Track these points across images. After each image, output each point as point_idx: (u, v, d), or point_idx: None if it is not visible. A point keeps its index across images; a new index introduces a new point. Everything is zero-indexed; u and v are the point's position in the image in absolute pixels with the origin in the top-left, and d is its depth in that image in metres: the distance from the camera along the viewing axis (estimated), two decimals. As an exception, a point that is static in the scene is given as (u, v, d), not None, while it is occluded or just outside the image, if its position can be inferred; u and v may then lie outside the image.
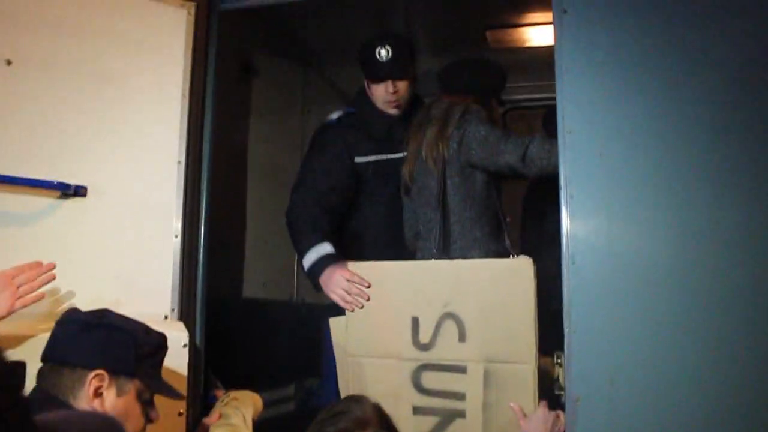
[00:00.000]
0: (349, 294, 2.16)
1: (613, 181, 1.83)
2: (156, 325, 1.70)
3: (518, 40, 3.22)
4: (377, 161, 2.51)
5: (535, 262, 2.01)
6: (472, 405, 2.00)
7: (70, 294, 1.95)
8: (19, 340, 1.74)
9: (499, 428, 1.99)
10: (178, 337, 2.02)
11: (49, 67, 2.03)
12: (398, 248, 2.42)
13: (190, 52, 2.27)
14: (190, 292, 2.21)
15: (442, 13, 3.07)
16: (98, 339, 1.52)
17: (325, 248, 2.27)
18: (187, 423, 2.01)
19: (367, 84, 2.54)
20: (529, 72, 3.27)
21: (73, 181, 2.00)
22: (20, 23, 1.99)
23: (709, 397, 1.71)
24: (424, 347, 2.07)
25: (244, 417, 2.05)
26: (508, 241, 2.38)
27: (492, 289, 2.02)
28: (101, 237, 2.06)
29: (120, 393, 1.50)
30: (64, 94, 2.04)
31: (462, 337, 2.03)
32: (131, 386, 1.52)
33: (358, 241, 2.48)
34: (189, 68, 2.25)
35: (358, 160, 2.49)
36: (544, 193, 2.43)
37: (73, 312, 1.59)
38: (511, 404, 1.96)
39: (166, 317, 2.14)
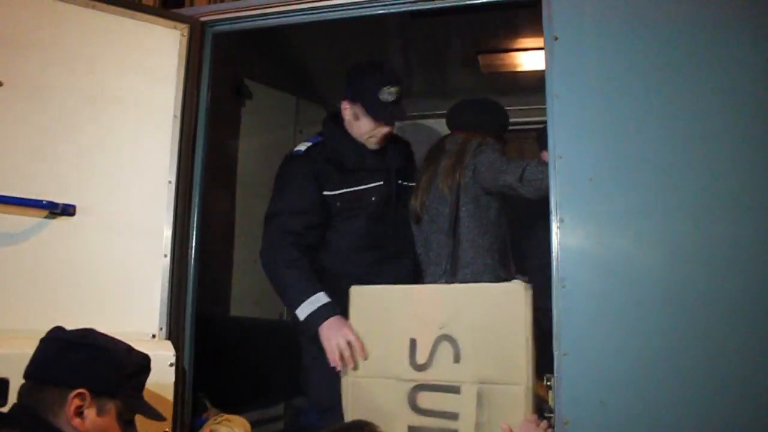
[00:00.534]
0: (342, 355, 2.14)
1: (603, 206, 1.85)
2: (143, 344, 1.69)
3: (510, 64, 3.26)
4: (344, 194, 2.42)
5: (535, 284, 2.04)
6: (465, 425, 2.02)
7: (56, 312, 1.94)
8: (4, 357, 1.73)
9: (491, 448, 2.01)
10: (164, 356, 2.01)
11: (41, 88, 2.04)
12: (369, 279, 2.31)
13: (182, 72, 2.28)
14: (179, 312, 2.20)
15: (435, 37, 3.10)
16: (81, 358, 1.51)
17: (320, 299, 2.23)
18: (173, 442, 2.00)
19: (354, 115, 2.43)
20: (521, 96, 3.32)
21: (62, 200, 2.00)
22: (12, 45, 2.00)
23: (701, 420, 1.71)
24: (421, 368, 2.10)
25: None
26: (513, 268, 2.51)
27: (485, 312, 2.05)
28: (89, 255, 2.06)
29: (100, 412, 1.49)
30: (54, 114, 2.06)
31: (457, 359, 2.06)
32: (112, 406, 1.51)
33: (327, 275, 2.37)
34: (181, 89, 2.27)
35: (327, 193, 2.40)
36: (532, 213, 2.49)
37: (58, 330, 1.58)
38: (502, 425, 1.96)
39: (153, 336, 2.13)
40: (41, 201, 1.96)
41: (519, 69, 3.28)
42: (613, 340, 1.79)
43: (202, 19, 2.38)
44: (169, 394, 2.00)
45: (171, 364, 2.03)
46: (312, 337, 2.23)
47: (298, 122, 3.65)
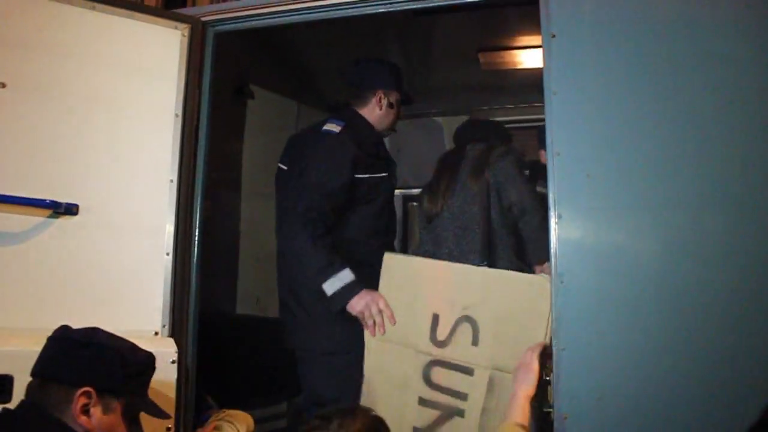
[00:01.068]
0: (375, 321, 2.25)
1: (601, 202, 1.86)
2: (145, 342, 1.71)
3: (509, 62, 3.27)
4: (371, 178, 2.50)
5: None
6: (472, 406, 2.07)
7: (59, 309, 1.96)
8: (8, 354, 1.76)
9: (492, 434, 2.03)
10: (166, 353, 2.04)
11: (43, 89, 2.06)
12: (376, 264, 2.35)
13: (184, 72, 2.29)
14: (181, 309, 2.21)
15: (436, 35, 3.12)
16: (87, 357, 1.54)
17: (348, 275, 2.29)
18: (176, 438, 2.02)
19: (389, 104, 2.60)
20: (519, 93, 3.34)
21: (65, 200, 2.02)
22: (15, 47, 2.03)
23: (699, 416, 1.72)
24: (440, 344, 2.15)
25: (237, 431, 2.07)
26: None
27: (509, 301, 2.08)
28: (92, 254, 2.08)
29: (106, 411, 1.52)
30: (57, 114, 2.08)
31: (475, 341, 2.10)
32: (117, 404, 1.54)
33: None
34: (183, 88, 2.28)
35: (359, 176, 2.47)
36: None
37: (64, 329, 1.60)
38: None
39: (156, 333, 2.14)
40: (44, 200, 1.98)
41: (519, 67, 3.29)
42: (611, 335, 1.80)
43: (204, 18, 2.39)
44: (171, 391, 2.02)
45: (173, 361, 2.05)
46: (338, 311, 2.30)
47: (300, 121, 3.66)
